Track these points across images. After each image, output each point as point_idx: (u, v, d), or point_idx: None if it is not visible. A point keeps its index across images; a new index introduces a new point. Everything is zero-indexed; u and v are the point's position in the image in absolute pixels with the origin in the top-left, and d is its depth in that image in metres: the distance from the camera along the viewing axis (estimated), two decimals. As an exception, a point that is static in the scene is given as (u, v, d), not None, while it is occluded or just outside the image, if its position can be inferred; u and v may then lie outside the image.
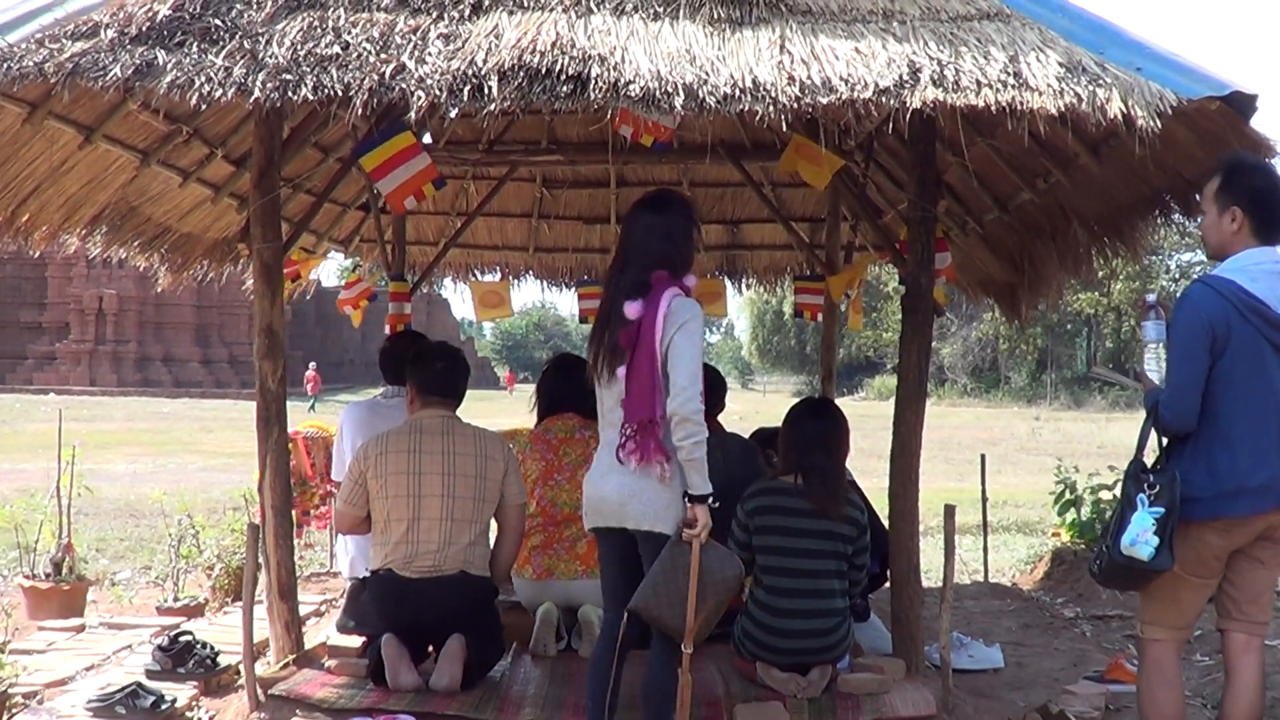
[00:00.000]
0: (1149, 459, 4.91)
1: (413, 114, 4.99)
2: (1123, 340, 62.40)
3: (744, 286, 13.73)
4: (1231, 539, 4.83)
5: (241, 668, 5.96)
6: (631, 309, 4.87)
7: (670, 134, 6.32)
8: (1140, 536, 4.63)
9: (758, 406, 40.92)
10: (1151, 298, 5.07)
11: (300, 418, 8.07)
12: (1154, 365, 5.01)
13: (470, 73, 4.99)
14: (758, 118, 4.90)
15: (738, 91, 4.90)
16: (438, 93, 4.93)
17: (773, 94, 4.89)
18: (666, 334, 4.79)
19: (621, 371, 4.89)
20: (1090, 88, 4.83)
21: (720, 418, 7.33)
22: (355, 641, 6.37)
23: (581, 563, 6.62)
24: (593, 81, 4.91)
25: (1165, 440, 4.93)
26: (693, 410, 4.73)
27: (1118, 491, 5.86)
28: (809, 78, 4.96)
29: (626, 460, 4.82)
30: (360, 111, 5.02)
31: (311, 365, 56.08)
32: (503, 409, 41.80)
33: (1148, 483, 4.70)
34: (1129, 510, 4.70)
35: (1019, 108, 4.82)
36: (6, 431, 33.62)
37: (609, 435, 5.01)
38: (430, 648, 5.83)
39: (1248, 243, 4.87)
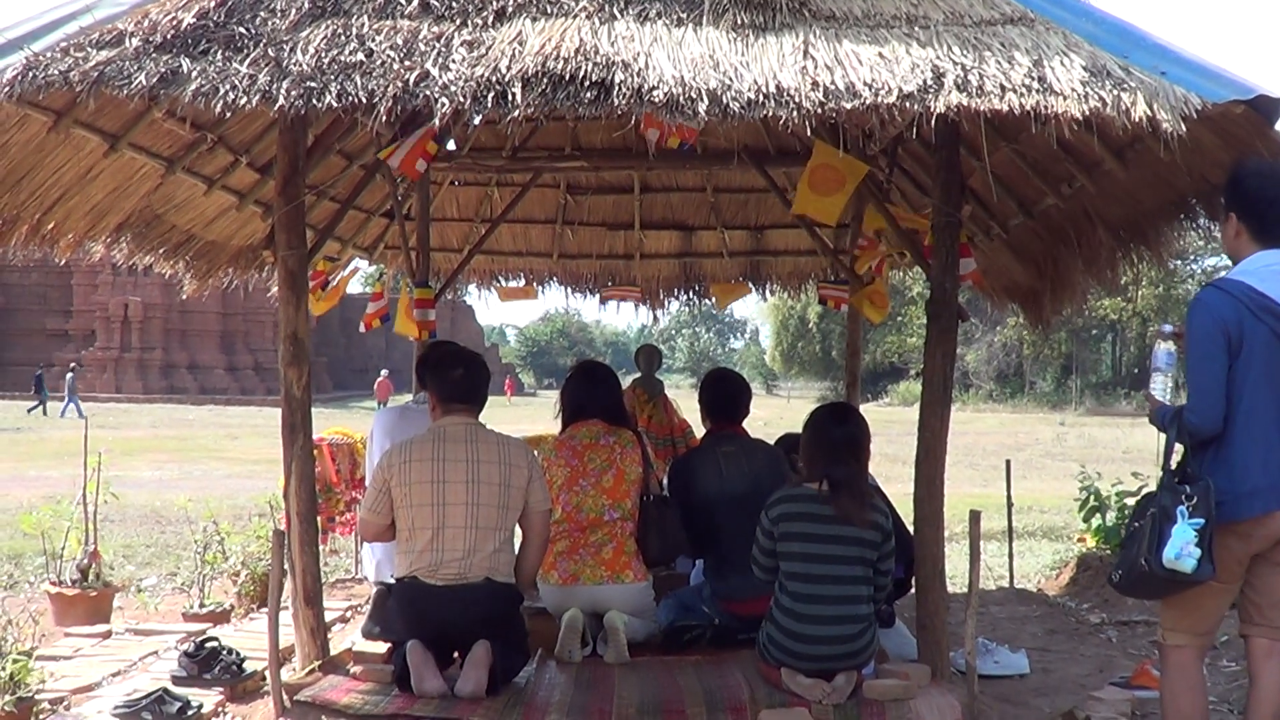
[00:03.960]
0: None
1: (437, 120, 4.99)
2: (1147, 345, 62.19)
3: (768, 292, 13.74)
4: (1252, 542, 4.81)
5: (267, 674, 5.97)
6: None
7: (695, 135, 6.30)
8: (1184, 550, 4.59)
9: (782, 413, 40.92)
10: (1169, 328, 5.07)
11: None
12: (1160, 389, 5.02)
13: (494, 79, 4.98)
14: (781, 123, 4.89)
15: (761, 97, 4.89)
16: (461, 99, 4.92)
17: (796, 99, 4.87)
18: None
19: None
20: (1115, 92, 4.80)
21: (745, 423, 7.33)
22: (380, 647, 6.38)
23: (607, 568, 6.61)
24: (616, 87, 4.91)
25: (1183, 447, 4.90)
26: None
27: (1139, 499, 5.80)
28: (832, 83, 4.95)
29: None
30: (384, 118, 5.03)
31: (384, 371, 56.62)
32: (504, 417, 41.76)
33: (1184, 494, 4.67)
34: (1168, 523, 4.66)
35: (1043, 112, 4.80)
36: (33, 439, 33.83)
37: None
38: (455, 654, 5.81)
39: (1252, 248, 4.89)
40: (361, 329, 11.40)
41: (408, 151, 6.85)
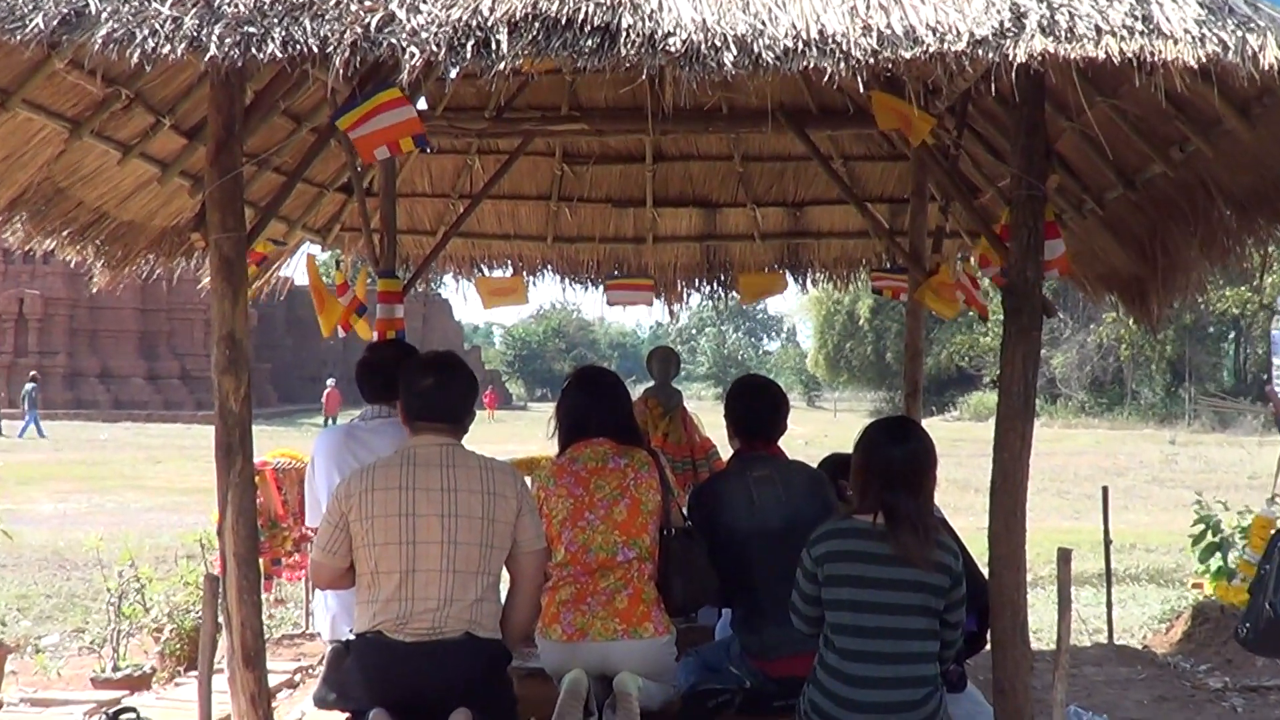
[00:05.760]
0: None
1: (404, 74, 4.99)
2: (1275, 344, 62.01)
3: (809, 283, 13.68)
4: None
5: (197, 752, 5.98)
6: None
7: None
8: None
9: (826, 429, 41.00)
10: None
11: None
12: None
13: (474, 23, 4.98)
14: (825, 76, 4.89)
15: (801, 44, 4.89)
16: (434, 48, 4.92)
17: (844, 47, 4.87)
18: None
19: None
20: (1238, 33, 4.79)
21: (781, 442, 7.32)
22: (338, 718, 6.38)
23: (621, 620, 6.52)
24: (623, 33, 4.90)
25: None
26: None
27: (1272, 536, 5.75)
28: (888, 26, 4.95)
29: None
30: (340, 72, 5.01)
31: (331, 380, 56.57)
32: (487, 435, 41.80)
33: None
34: None
35: (1149, 59, 4.79)
36: (-93, 465, 33.89)
37: None
38: (428, 726, 5.82)
39: None
40: (340, 334, 11.32)
41: (376, 131, 6.76)
